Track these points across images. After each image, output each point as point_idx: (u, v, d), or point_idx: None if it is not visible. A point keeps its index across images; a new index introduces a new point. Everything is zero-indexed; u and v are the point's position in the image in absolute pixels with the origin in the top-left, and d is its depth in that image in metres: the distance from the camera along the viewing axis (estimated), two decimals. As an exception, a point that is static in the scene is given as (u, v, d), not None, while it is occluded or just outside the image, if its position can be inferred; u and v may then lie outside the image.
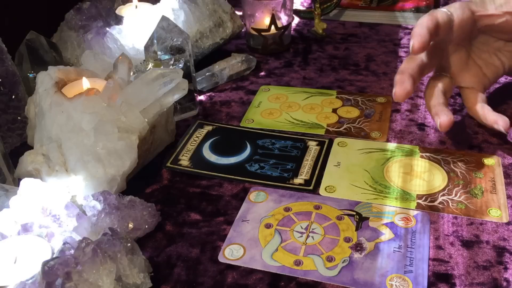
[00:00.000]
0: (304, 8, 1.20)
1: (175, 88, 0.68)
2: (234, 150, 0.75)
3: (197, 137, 0.78)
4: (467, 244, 0.59)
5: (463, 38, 0.73)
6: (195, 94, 0.85)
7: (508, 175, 0.69)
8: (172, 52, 0.78)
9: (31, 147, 0.69)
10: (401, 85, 0.68)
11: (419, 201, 0.65)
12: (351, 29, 1.11)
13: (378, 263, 0.57)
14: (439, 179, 0.68)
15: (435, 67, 0.75)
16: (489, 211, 0.63)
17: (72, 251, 0.51)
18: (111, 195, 0.60)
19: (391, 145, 0.75)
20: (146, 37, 0.79)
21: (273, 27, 0.98)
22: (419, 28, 0.67)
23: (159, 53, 0.77)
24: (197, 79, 0.88)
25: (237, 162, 0.73)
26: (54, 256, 0.52)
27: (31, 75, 0.79)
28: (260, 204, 0.66)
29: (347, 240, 0.60)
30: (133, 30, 0.87)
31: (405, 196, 0.66)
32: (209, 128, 0.80)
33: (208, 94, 0.89)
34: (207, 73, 0.90)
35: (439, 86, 0.73)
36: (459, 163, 0.71)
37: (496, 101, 0.82)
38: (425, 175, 0.69)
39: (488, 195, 0.65)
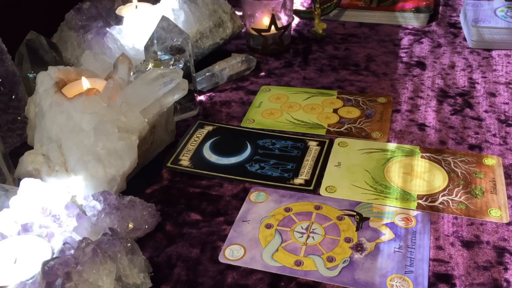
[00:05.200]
0: (304, 8, 1.20)
1: (175, 88, 0.68)
2: (234, 150, 0.75)
3: (198, 137, 0.78)
4: (468, 245, 0.59)
5: None
6: (195, 94, 0.85)
7: (509, 175, 0.69)
8: (172, 52, 0.78)
9: (31, 147, 0.68)
10: None
11: (420, 201, 0.65)
12: (351, 29, 1.10)
13: (379, 264, 0.57)
14: (440, 179, 0.68)
15: None
16: (489, 212, 0.63)
17: (72, 251, 0.51)
18: (111, 195, 0.60)
19: (392, 145, 0.75)
20: (146, 37, 0.79)
21: (273, 27, 0.98)
22: None
23: (159, 53, 0.77)
24: (197, 79, 0.88)
25: (238, 162, 0.73)
26: (54, 256, 0.52)
27: (31, 75, 0.79)
28: (261, 204, 0.66)
29: (348, 240, 0.60)
30: (133, 30, 0.87)
31: (405, 196, 0.66)
32: (210, 128, 0.80)
33: (208, 94, 0.89)
34: (207, 73, 0.90)
35: None
36: (460, 163, 0.71)
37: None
38: (425, 175, 0.69)
39: (489, 196, 0.65)
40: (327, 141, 0.76)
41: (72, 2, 0.95)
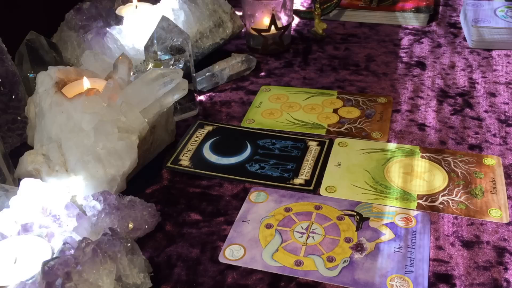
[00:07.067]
0: (304, 8, 1.20)
1: (175, 88, 0.68)
2: (234, 150, 0.75)
3: (198, 137, 0.78)
4: (468, 245, 0.59)
5: None
6: (195, 94, 0.85)
7: (509, 175, 0.69)
8: (172, 52, 0.78)
9: (31, 147, 0.68)
10: None
11: (420, 201, 0.65)
12: (351, 29, 1.10)
13: (379, 264, 0.57)
14: (440, 179, 0.68)
15: None
16: (489, 212, 0.63)
17: (72, 251, 0.51)
18: (111, 195, 0.60)
19: (392, 145, 0.75)
20: (146, 37, 0.79)
21: (273, 27, 0.98)
22: None
23: (159, 53, 0.77)
24: (197, 79, 0.88)
25: (238, 162, 0.73)
26: (54, 256, 0.52)
27: (31, 75, 0.79)
28: (261, 204, 0.66)
29: (348, 240, 0.60)
30: (133, 30, 0.87)
31: (405, 196, 0.66)
32: (210, 128, 0.80)
33: (208, 94, 0.89)
34: (207, 73, 0.90)
35: None
36: (460, 163, 0.71)
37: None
38: (425, 175, 0.69)
39: (489, 196, 0.65)
40: (327, 141, 0.76)
41: (72, 2, 0.95)
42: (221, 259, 0.59)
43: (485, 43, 0.99)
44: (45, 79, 0.69)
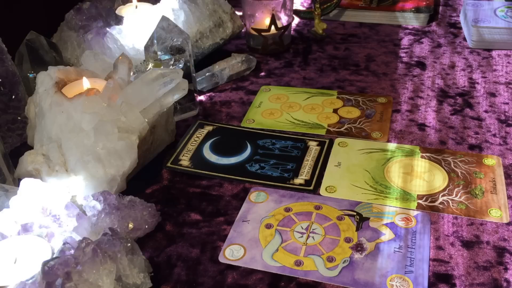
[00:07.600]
0: (304, 8, 1.20)
1: (175, 88, 0.68)
2: (234, 150, 0.75)
3: (198, 137, 0.78)
4: (468, 245, 0.59)
5: None
6: (195, 94, 0.85)
7: (509, 175, 0.69)
8: (172, 52, 0.78)
9: (31, 147, 0.68)
10: None
11: (420, 201, 0.65)
12: (351, 29, 1.10)
13: (379, 264, 0.57)
14: (440, 179, 0.68)
15: None
16: (489, 212, 0.63)
17: (72, 251, 0.51)
18: (111, 195, 0.60)
19: (392, 145, 0.75)
20: (146, 37, 0.79)
21: (273, 27, 0.98)
22: None
23: (159, 53, 0.77)
24: (197, 79, 0.88)
25: (238, 162, 0.73)
26: (54, 256, 0.52)
27: (31, 75, 0.79)
28: (261, 204, 0.66)
29: (348, 240, 0.60)
30: (133, 30, 0.87)
31: (405, 196, 0.66)
32: (210, 128, 0.80)
33: (208, 94, 0.89)
34: (207, 73, 0.90)
35: None
36: (460, 163, 0.71)
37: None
38: (425, 175, 0.69)
39: (489, 196, 0.65)
40: (327, 141, 0.76)
41: (72, 2, 0.95)
42: (221, 259, 0.59)
43: (485, 43, 0.99)
44: (45, 79, 0.69)
